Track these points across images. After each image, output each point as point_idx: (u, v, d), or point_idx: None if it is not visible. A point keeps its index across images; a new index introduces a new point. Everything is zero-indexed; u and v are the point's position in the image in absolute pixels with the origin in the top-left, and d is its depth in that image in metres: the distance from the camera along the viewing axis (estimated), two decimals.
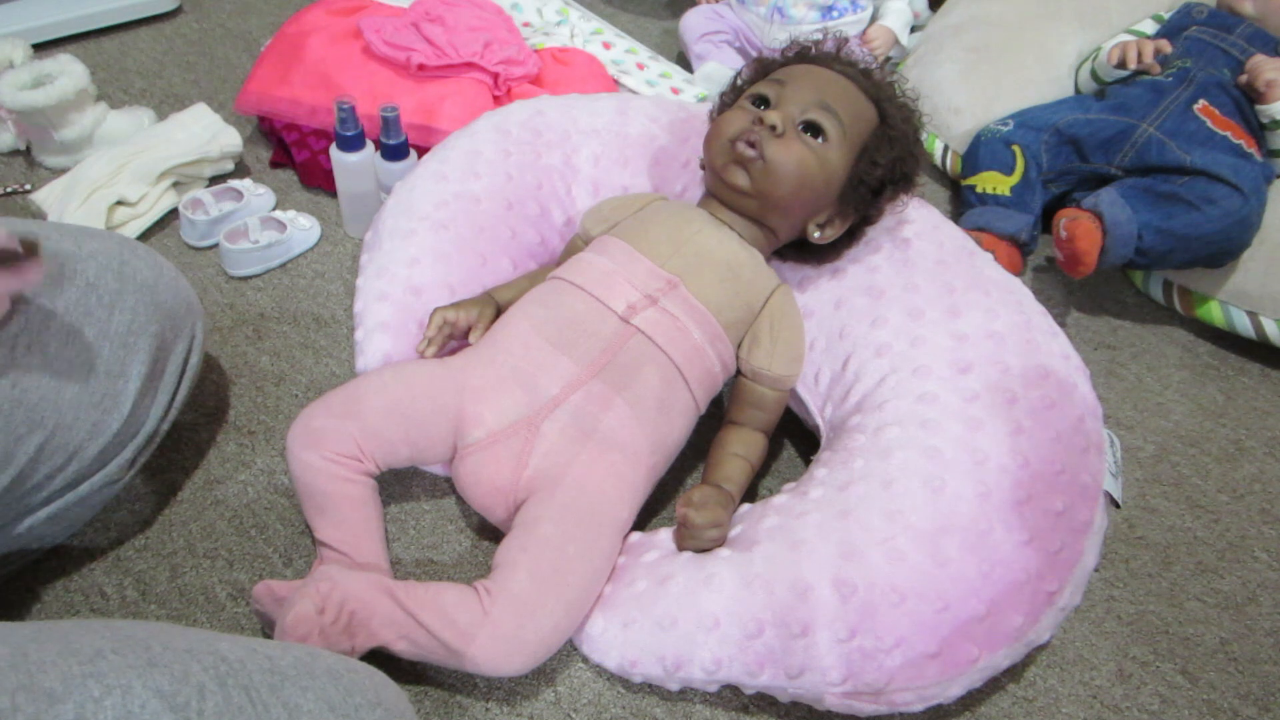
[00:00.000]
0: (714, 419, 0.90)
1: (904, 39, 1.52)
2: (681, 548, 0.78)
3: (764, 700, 0.77)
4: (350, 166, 1.10)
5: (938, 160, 1.36)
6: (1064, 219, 1.07)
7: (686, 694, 0.77)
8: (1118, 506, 0.96)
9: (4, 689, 0.44)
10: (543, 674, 0.77)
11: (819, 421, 0.89)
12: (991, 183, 1.22)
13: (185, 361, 0.81)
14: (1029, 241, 1.19)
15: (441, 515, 0.88)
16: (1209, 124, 1.16)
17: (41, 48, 1.41)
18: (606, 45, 1.45)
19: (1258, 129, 1.19)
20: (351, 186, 1.12)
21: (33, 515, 0.72)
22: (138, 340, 0.75)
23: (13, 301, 0.67)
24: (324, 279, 1.12)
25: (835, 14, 1.47)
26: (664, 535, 0.81)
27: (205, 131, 1.19)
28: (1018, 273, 1.19)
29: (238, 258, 1.09)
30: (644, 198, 0.94)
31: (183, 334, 0.80)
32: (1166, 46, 1.25)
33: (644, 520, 0.87)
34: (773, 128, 0.82)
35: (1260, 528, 0.95)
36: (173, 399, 0.80)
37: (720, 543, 0.77)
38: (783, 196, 0.84)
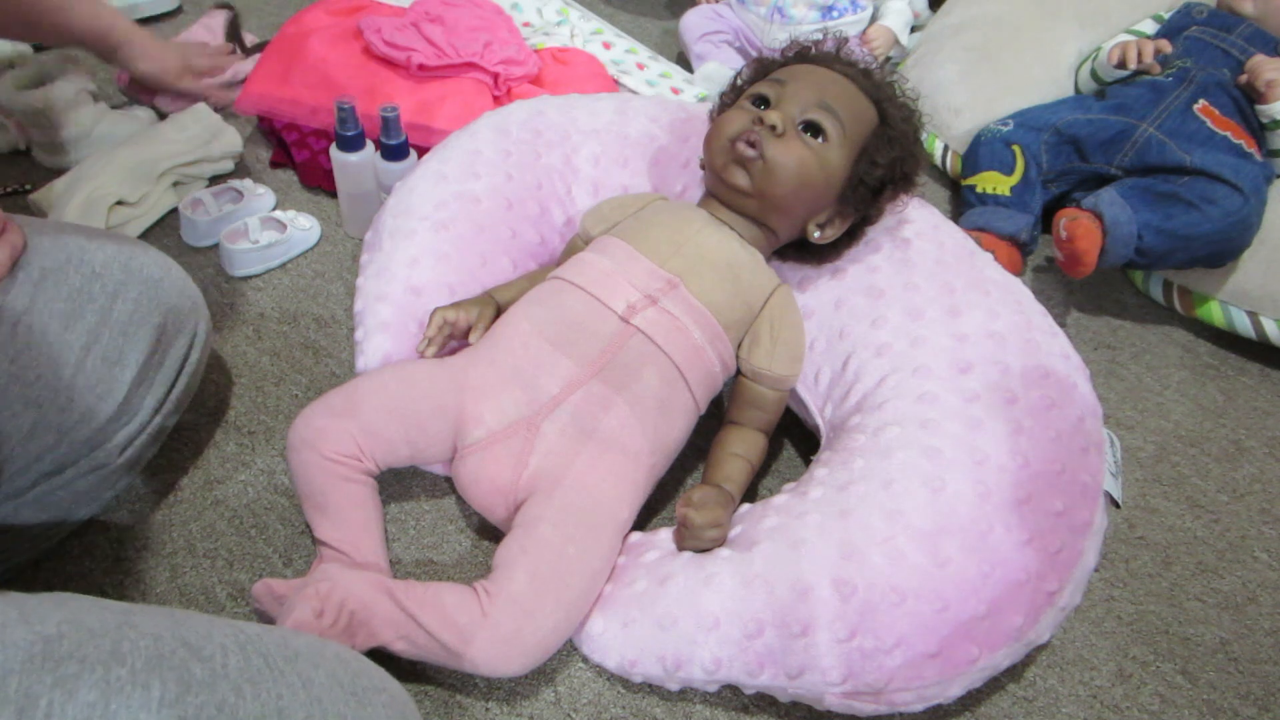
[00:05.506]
0: (714, 419, 0.90)
1: (904, 39, 1.52)
2: (681, 548, 0.78)
3: (764, 700, 0.77)
4: (350, 166, 1.10)
5: (938, 160, 1.36)
6: (1064, 219, 1.07)
7: (686, 694, 0.77)
8: (1118, 506, 0.96)
9: (50, 619, 0.46)
10: (543, 674, 0.77)
11: (819, 421, 0.89)
12: (991, 183, 1.23)
13: (185, 358, 0.81)
14: (1029, 241, 1.19)
15: (441, 515, 0.88)
16: (1209, 124, 1.16)
17: (42, 48, 1.41)
18: (606, 45, 1.45)
19: (1258, 129, 1.19)
20: (351, 186, 1.12)
21: (19, 499, 0.72)
22: (138, 330, 0.76)
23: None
24: (324, 279, 1.12)
25: (835, 14, 1.47)
26: (664, 535, 0.81)
27: (205, 131, 1.19)
28: (1018, 273, 1.19)
29: (238, 258, 1.09)
30: (644, 198, 0.94)
31: (185, 330, 0.81)
32: (1166, 46, 1.25)
33: (644, 520, 0.87)
34: (773, 128, 0.82)
35: (1260, 528, 0.95)
36: (169, 393, 0.80)
37: (720, 543, 0.77)
38: (783, 196, 0.84)
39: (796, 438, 0.98)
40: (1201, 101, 1.18)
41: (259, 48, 1.36)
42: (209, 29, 1.38)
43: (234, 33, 1.37)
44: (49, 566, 0.81)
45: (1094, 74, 1.33)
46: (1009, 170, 1.22)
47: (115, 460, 0.77)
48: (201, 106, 1.22)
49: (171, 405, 0.81)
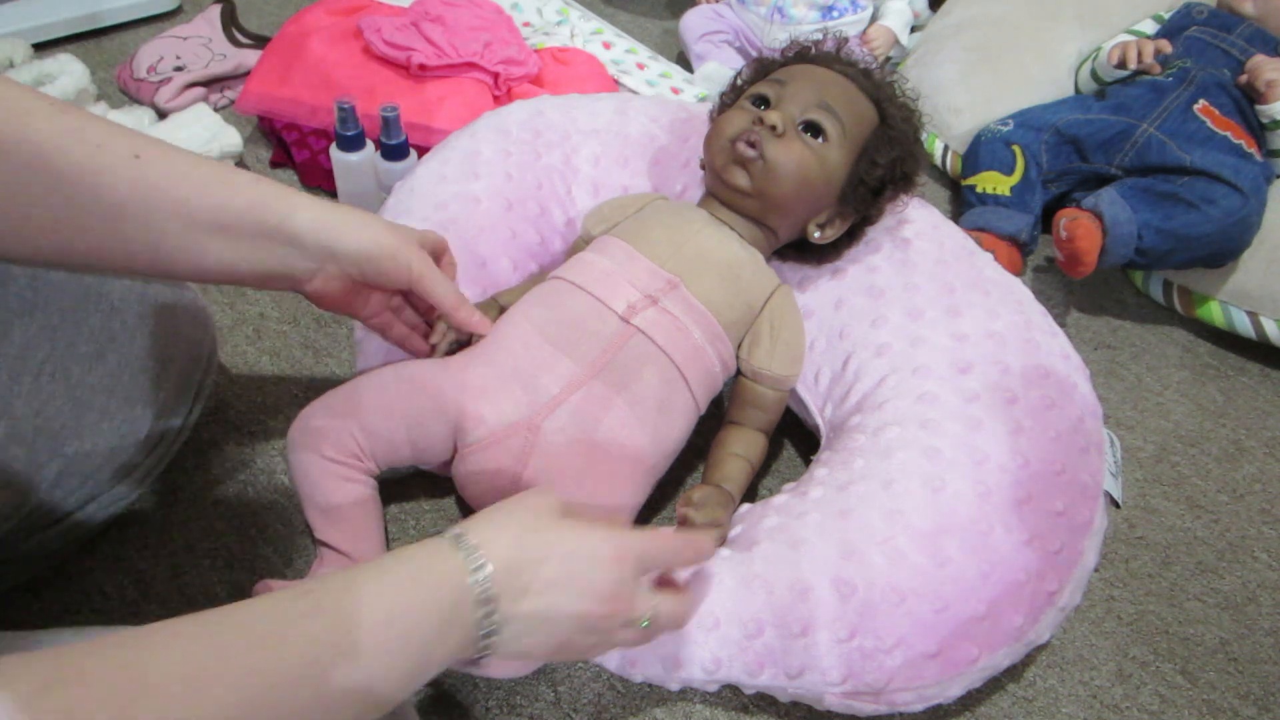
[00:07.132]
0: (714, 419, 0.90)
1: (904, 39, 1.52)
2: None
3: (764, 700, 0.77)
4: (350, 166, 1.10)
5: (938, 160, 1.36)
6: (1064, 219, 1.07)
7: (686, 694, 0.77)
8: (1118, 506, 0.96)
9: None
10: (543, 674, 0.77)
11: (819, 421, 0.89)
12: (991, 183, 1.23)
13: (200, 385, 0.81)
14: (1029, 241, 1.19)
15: (441, 515, 0.88)
16: (1209, 124, 1.16)
17: (41, 48, 1.41)
18: (606, 45, 1.45)
19: (1258, 129, 1.19)
20: (351, 186, 1.12)
21: (42, 533, 0.72)
22: (156, 365, 0.74)
23: None
24: None
25: (835, 14, 1.47)
26: None
27: (205, 131, 1.19)
28: (1018, 273, 1.19)
29: None
30: (644, 198, 0.94)
31: (201, 359, 0.80)
32: (1167, 46, 1.25)
33: (644, 520, 0.87)
34: (773, 128, 0.82)
35: (1260, 528, 0.96)
36: (186, 420, 0.80)
37: (720, 542, 0.77)
38: (783, 196, 0.84)
39: (796, 438, 0.98)
40: (1201, 101, 1.18)
41: (259, 41, 1.37)
42: (209, 21, 1.40)
43: (230, 23, 1.39)
44: (49, 568, 0.81)
45: (1094, 74, 1.33)
46: (1009, 170, 1.22)
47: (136, 491, 0.77)
48: (201, 106, 1.22)
49: (187, 432, 0.81)
